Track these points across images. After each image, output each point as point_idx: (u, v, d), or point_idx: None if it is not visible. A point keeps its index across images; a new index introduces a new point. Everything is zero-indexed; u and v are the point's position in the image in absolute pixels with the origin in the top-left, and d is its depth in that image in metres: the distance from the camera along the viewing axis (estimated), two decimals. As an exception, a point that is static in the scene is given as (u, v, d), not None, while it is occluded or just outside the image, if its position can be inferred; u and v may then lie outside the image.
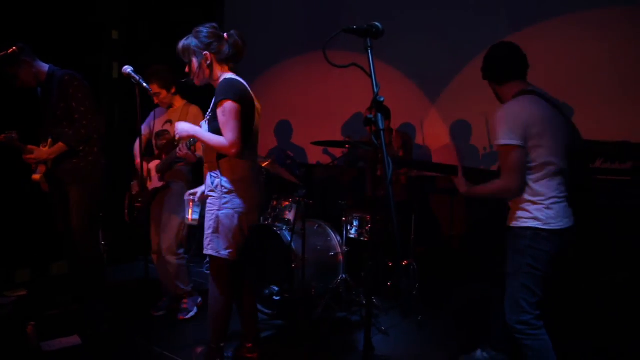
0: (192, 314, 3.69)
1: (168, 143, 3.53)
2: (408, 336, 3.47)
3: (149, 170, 3.59)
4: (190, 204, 2.94)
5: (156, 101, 3.55)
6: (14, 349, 3.12)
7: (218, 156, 2.62)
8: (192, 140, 3.23)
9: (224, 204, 2.61)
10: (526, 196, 2.34)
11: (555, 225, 2.31)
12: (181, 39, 2.66)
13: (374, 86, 1.75)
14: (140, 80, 2.65)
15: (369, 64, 1.79)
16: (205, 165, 2.74)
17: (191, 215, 2.94)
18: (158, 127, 3.63)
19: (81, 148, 3.29)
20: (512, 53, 2.45)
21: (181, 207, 3.56)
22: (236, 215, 2.63)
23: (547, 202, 2.31)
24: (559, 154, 2.32)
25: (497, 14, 4.25)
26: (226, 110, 2.50)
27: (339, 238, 3.99)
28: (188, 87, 2.79)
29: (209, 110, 2.71)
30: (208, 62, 2.62)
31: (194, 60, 2.63)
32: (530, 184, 2.33)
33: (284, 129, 5.68)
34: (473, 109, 4.39)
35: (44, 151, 3.25)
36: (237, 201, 2.62)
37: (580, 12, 3.87)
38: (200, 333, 3.37)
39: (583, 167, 2.48)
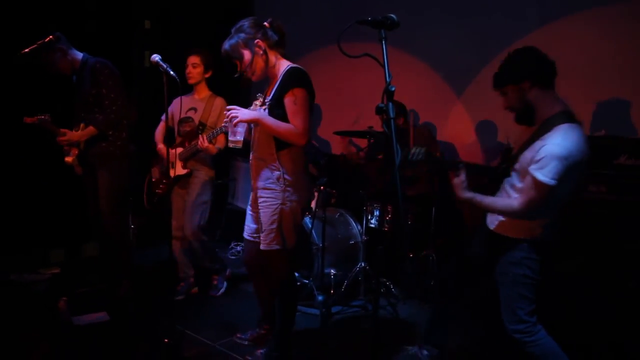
0: (222, 290, 3.88)
1: (191, 131, 3.64)
2: (422, 326, 3.51)
3: (172, 157, 3.70)
4: (231, 129, 2.64)
5: (190, 72, 3.66)
6: (47, 321, 3.30)
7: (278, 147, 2.58)
8: (214, 132, 3.34)
9: (288, 197, 2.60)
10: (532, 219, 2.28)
11: (549, 237, 2.29)
12: (218, 34, 2.66)
13: (387, 76, 1.80)
14: (168, 69, 2.74)
15: (382, 54, 1.84)
16: (256, 159, 2.68)
17: (236, 136, 2.61)
18: (182, 115, 3.72)
19: (110, 133, 3.44)
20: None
21: (205, 194, 3.70)
22: (299, 207, 2.65)
23: (547, 220, 2.28)
24: (574, 192, 2.27)
25: (526, 7, 4.21)
26: (299, 99, 2.50)
27: (359, 227, 4.06)
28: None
29: (269, 98, 2.62)
30: (262, 50, 2.57)
31: (246, 53, 2.56)
32: (545, 215, 2.27)
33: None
34: (499, 103, 4.36)
35: (76, 134, 3.41)
36: (299, 193, 2.63)
37: (612, 5, 3.81)
38: (223, 313, 3.54)
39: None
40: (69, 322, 3.25)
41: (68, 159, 3.45)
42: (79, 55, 3.43)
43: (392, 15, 1.89)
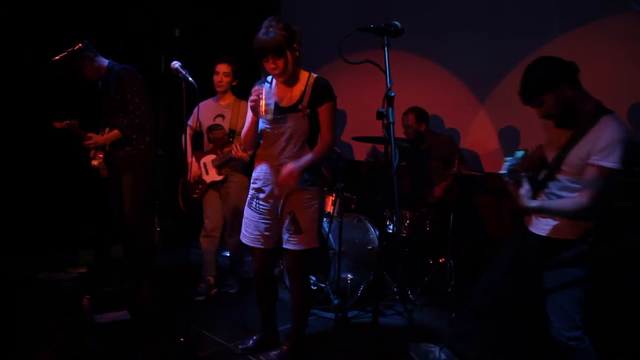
0: (235, 289, 4.05)
1: (222, 138, 3.75)
2: (438, 333, 3.50)
3: (204, 164, 3.82)
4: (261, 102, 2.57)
5: (219, 80, 3.76)
6: (71, 318, 3.42)
7: (311, 149, 2.69)
8: None
9: (320, 196, 2.79)
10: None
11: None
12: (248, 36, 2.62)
13: (388, 82, 1.84)
14: (187, 75, 2.83)
15: (384, 60, 1.87)
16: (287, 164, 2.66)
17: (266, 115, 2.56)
18: (209, 122, 3.83)
19: (134, 136, 3.55)
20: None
21: (242, 196, 3.78)
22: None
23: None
24: None
25: (550, 14, 4.16)
26: (333, 112, 2.67)
27: (377, 232, 4.07)
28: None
29: (305, 105, 2.63)
30: (297, 56, 2.59)
31: (289, 54, 2.53)
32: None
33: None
34: (523, 111, 4.32)
35: (101, 137, 3.53)
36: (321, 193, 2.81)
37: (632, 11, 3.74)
38: (238, 316, 3.60)
39: None
40: (91, 319, 3.37)
41: (94, 162, 3.58)
42: (105, 62, 3.56)
43: (396, 22, 1.93)
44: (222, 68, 3.77)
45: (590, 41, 3.90)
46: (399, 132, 4.49)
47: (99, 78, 3.56)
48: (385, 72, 1.85)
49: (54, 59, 3.35)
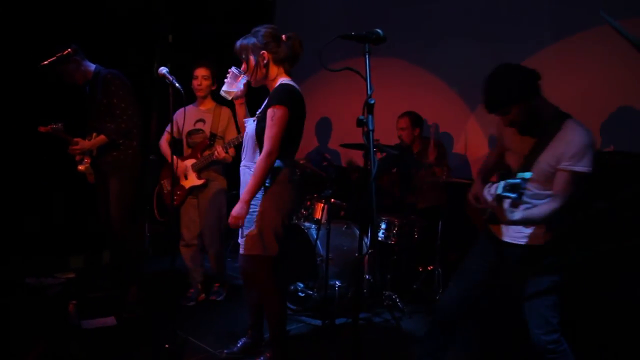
0: (222, 297, 4.01)
1: (202, 142, 3.74)
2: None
3: (185, 168, 3.80)
4: (231, 79, 2.80)
5: (199, 84, 3.74)
6: (57, 324, 3.39)
7: None
8: (229, 143, 3.45)
9: (269, 205, 2.71)
10: None
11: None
12: (232, 44, 2.73)
13: (368, 89, 1.84)
14: (174, 81, 2.84)
15: (365, 68, 1.88)
16: (244, 167, 2.79)
17: (232, 88, 2.80)
18: (189, 127, 3.80)
19: (121, 141, 3.53)
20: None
21: (222, 203, 3.80)
22: (279, 217, 2.74)
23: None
24: None
25: (540, 23, 4.19)
26: (276, 116, 2.54)
27: (366, 240, 4.06)
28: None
29: (260, 110, 2.72)
30: (265, 61, 2.65)
31: (251, 59, 2.66)
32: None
33: (323, 132, 5.84)
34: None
35: (87, 143, 3.51)
36: (280, 202, 2.73)
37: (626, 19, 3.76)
38: (224, 322, 3.58)
39: None
40: (77, 325, 3.34)
41: (81, 167, 3.57)
42: (92, 66, 3.56)
43: (377, 30, 1.94)
44: (200, 72, 3.76)
45: (579, 51, 3.92)
46: (393, 137, 4.51)
47: (86, 82, 3.56)
48: (366, 80, 1.85)
49: (42, 63, 3.35)
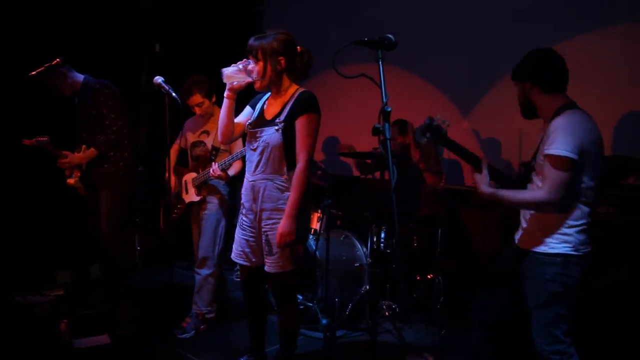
0: (188, 335, 3.52)
1: (204, 156, 3.60)
2: (428, 349, 3.43)
3: (185, 182, 3.66)
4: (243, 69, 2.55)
5: (199, 111, 3.55)
6: (47, 344, 3.27)
7: (289, 167, 2.55)
8: (226, 161, 3.32)
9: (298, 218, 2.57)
10: (563, 219, 2.22)
11: (584, 250, 2.22)
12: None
13: (383, 96, 1.79)
14: (170, 90, 2.76)
15: (379, 74, 1.83)
16: (263, 180, 2.58)
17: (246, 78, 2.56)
18: (194, 137, 3.67)
19: (112, 153, 3.42)
20: (564, 64, 2.31)
21: (218, 225, 3.59)
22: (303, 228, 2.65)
23: (582, 227, 2.21)
24: (597, 179, 2.22)
25: (534, 28, 4.18)
26: (312, 124, 2.50)
27: (365, 249, 4.00)
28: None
29: (281, 118, 2.54)
30: (280, 68, 2.54)
31: (268, 62, 2.51)
32: (576, 205, 2.21)
33: (320, 138, 5.76)
34: (505, 124, 4.34)
35: (77, 156, 3.39)
36: (303, 213, 2.62)
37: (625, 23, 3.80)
38: (223, 338, 3.48)
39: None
40: (69, 345, 3.22)
41: (70, 181, 3.44)
42: (80, 77, 3.45)
43: (389, 35, 1.89)
44: (193, 101, 3.51)
45: (579, 54, 3.92)
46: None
47: (74, 93, 3.45)
48: (381, 87, 1.79)
49: (30, 74, 3.24)
